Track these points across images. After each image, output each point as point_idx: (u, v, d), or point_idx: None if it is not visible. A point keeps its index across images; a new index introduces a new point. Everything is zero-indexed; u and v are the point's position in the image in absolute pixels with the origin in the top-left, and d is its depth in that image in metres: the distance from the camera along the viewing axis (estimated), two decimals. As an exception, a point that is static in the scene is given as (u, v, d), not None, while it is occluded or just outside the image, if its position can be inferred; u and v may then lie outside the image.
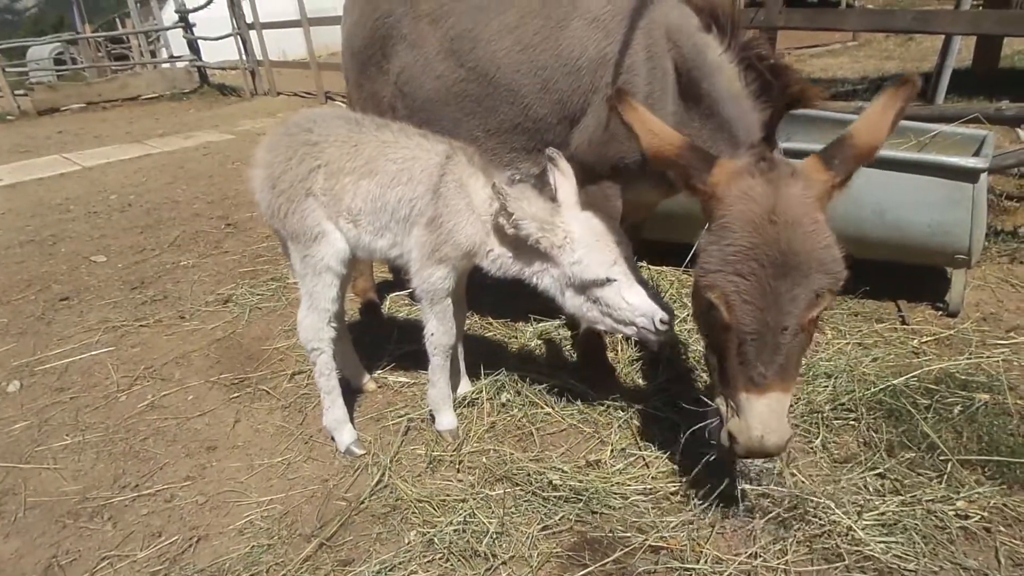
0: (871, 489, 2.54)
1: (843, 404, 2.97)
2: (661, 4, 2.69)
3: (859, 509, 2.42)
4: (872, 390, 3.00)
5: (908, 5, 16.78)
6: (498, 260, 2.75)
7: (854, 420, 2.90)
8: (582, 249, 2.56)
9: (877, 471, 2.60)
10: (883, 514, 2.38)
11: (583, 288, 2.61)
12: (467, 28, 3.06)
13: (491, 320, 3.97)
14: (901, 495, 2.47)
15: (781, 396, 2.05)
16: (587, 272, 2.55)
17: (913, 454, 2.67)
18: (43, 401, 3.57)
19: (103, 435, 3.25)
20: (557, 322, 3.81)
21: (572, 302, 2.68)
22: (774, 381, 2.03)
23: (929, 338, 3.48)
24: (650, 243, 3.91)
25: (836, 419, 2.91)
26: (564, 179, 2.70)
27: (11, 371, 3.88)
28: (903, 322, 3.66)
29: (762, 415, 2.03)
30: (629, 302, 2.54)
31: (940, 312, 3.73)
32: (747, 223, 1.99)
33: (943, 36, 6.75)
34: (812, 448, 2.77)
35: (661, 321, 2.50)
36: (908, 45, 12.96)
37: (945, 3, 15.65)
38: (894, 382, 3.02)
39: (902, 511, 2.39)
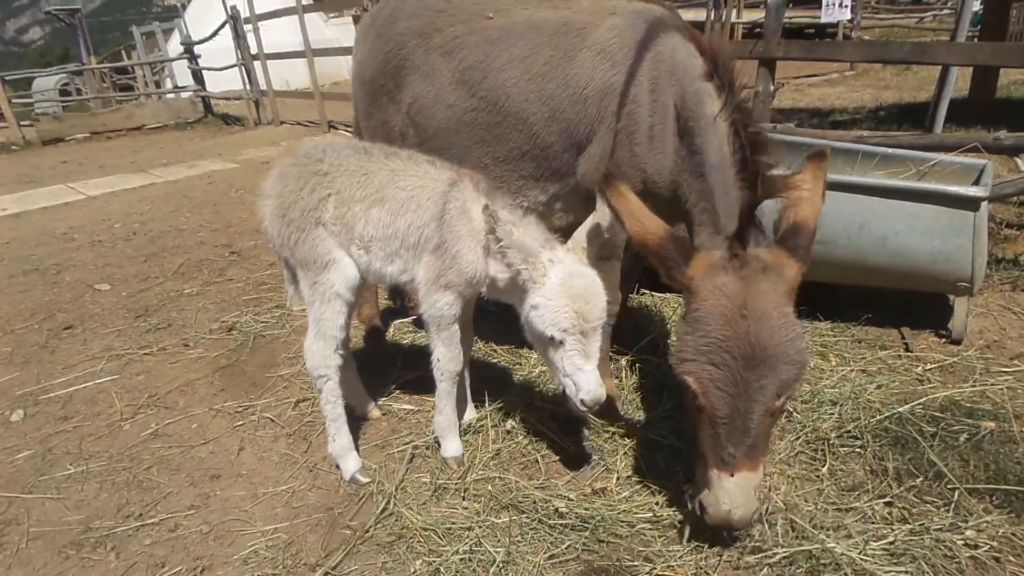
0: (878, 517, 2.53)
1: (849, 432, 2.97)
2: (668, 39, 2.76)
3: (866, 538, 2.40)
4: (878, 417, 3.01)
5: (904, 36, 17.04)
6: (495, 284, 2.73)
7: (860, 448, 2.89)
8: (544, 299, 2.44)
9: (885, 499, 2.59)
10: (892, 543, 2.38)
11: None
12: (479, 59, 3.14)
13: (495, 347, 3.97)
14: (909, 523, 2.46)
15: (749, 475, 2.21)
16: (537, 322, 2.47)
17: (920, 482, 2.67)
18: (47, 430, 3.56)
19: (107, 464, 3.24)
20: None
21: (530, 336, 2.65)
22: (743, 461, 2.20)
23: (933, 365, 3.49)
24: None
25: (842, 447, 2.91)
26: (596, 220, 2.63)
27: (15, 400, 3.87)
28: (907, 349, 3.66)
29: (730, 492, 2.21)
30: (565, 368, 2.47)
31: (943, 339, 3.74)
32: (720, 317, 2.17)
33: (940, 66, 6.85)
34: (819, 476, 2.76)
35: (582, 402, 2.44)
36: (905, 75, 13.15)
37: (940, 33, 15.91)
38: (900, 409, 3.02)
39: (910, 540, 2.39)
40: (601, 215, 2.59)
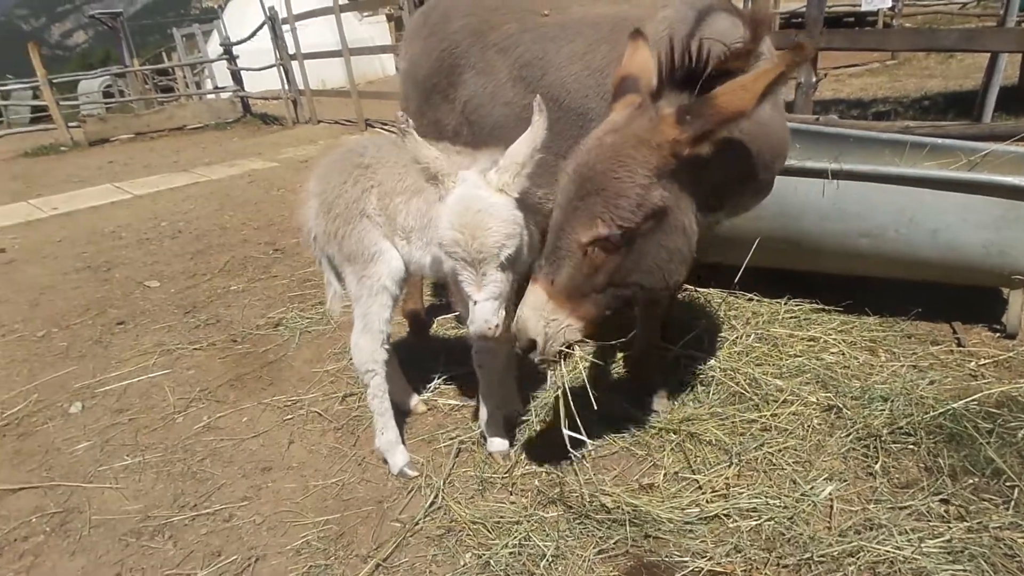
0: (934, 515, 2.48)
1: (901, 428, 2.92)
2: (714, 20, 2.75)
3: (922, 535, 2.37)
4: (931, 414, 2.95)
5: (948, 22, 16.58)
6: None
7: (913, 444, 2.84)
8: (437, 214, 2.33)
9: (940, 496, 2.55)
10: (949, 541, 2.33)
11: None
12: (537, 56, 3.15)
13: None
14: (967, 521, 2.42)
15: (547, 302, 2.24)
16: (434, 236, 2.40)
17: (977, 479, 2.62)
18: (104, 422, 3.67)
19: (162, 455, 3.33)
20: (608, 344, 3.81)
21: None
22: (545, 281, 2.24)
23: (987, 360, 3.41)
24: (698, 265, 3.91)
25: (895, 443, 2.86)
26: (523, 141, 2.33)
27: (73, 393, 4.00)
28: (959, 344, 3.58)
29: (529, 303, 2.25)
30: (462, 295, 2.38)
31: (997, 334, 3.65)
32: (589, 137, 2.28)
33: (988, 54, 6.68)
34: (871, 473, 2.72)
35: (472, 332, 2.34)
36: (949, 63, 12.80)
37: (986, 19, 15.47)
38: (954, 405, 2.96)
39: (968, 538, 2.34)
40: (537, 133, 2.36)
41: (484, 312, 2.27)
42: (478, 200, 2.25)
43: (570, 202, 2.19)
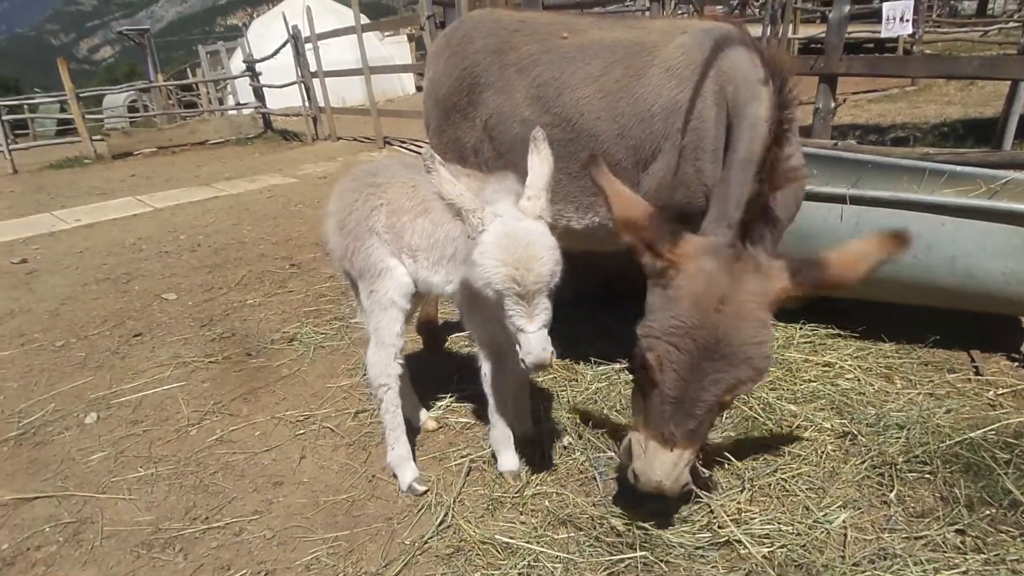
0: (950, 546, 2.44)
1: (917, 457, 2.88)
2: (732, 53, 2.75)
3: (938, 566, 2.33)
4: (947, 443, 2.91)
5: (968, 50, 16.55)
6: None
7: (929, 473, 2.81)
8: (479, 256, 2.22)
9: (956, 527, 2.51)
10: (965, 572, 2.30)
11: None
12: (554, 76, 3.20)
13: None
14: (983, 553, 2.38)
15: (685, 453, 2.27)
16: (474, 279, 2.28)
17: (994, 511, 2.57)
18: (119, 433, 3.70)
19: (175, 467, 3.35)
20: (618, 365, 3.80)
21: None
22: (682, 441, 2.24)
23: (1005, 390, 3.37)
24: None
25: (910, 472, 2.82)
26: (540, 166, 2.34)
27: (89, 403, 4.04)
28: (977, 373, 3.54)
29: (665, 465, 2.26)
30: (510, 327, 2.26)
31: (1016, 363, 3.61)
32: (694, 302, 2.16)
33: (1009, 82, 6.65)
34: (886, 502, 2.69)
35: (523, 363, 2.24)
36: (969, 90, 12.75)
37: (1006, 47, 15.41)
38: (971, 435, 2.92)
39: (985, 571, 2.30)
40: (546, 160, 2.35)
41: (540, 342, 2.22)
42: (524, 232, 2.20)
43: (705, 375, 2.15)
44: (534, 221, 2.26)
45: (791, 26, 16.41)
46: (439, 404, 3.67)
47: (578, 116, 3.13)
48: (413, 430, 3.38)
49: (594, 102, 3.09)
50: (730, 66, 2.74)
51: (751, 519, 2.63)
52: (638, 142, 2.99)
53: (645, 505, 2.72)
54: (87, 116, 15.95)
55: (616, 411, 3.43)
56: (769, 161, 2.37)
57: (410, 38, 28.00)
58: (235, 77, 19.67)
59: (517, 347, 2.27)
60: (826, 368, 3.64)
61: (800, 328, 4.01)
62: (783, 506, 2.71)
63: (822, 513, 2.63)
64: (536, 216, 2.27)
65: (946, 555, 2.40)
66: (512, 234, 2.19)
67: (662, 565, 2.47)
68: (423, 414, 3.51)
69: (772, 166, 2.37)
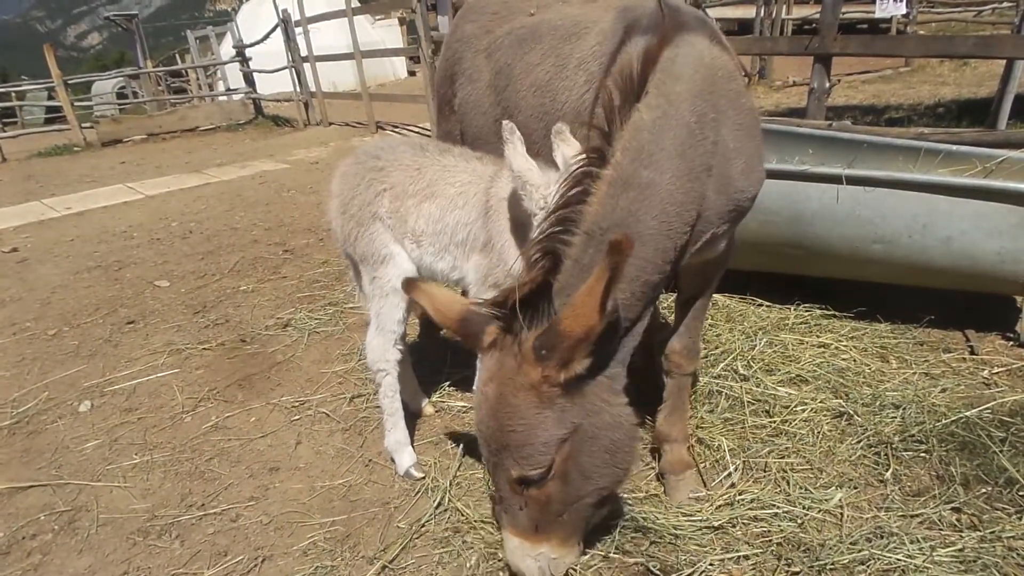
0: (946, 524, 2.46)
1: (913, 436, 2.89)
2: (632, 47, 2.23)
3: (934, 544, 2.34)
4: (943, 421, 2.93)
5: (961, 30, 16.49)
6: None
7: (925, 452, 2.82)
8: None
9: (952, 505, 2.52)
10: (961, 550, 2.30)
11: None
12: (507, 63, 2.92)
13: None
14: (979, 530, 2.39)
15: (523, 543, 2.17)
16: None
17: (990, 488, 2.59)
18: (113, 421, 3.68)
19: (170, 455, 3.34)
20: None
21: None
22: (511, 528, 2.19)
23: (1000, 369, 3.37)
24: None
25: (906, 451, 2.83)
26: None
27: (82, 391, 4.02)
28: (972, 352, 3.55)
29: (507, 547, 2.23)
30: None
31: (1011, 343, 3.62)
32: (476, 393, 2.16)
33: (1003, 61, 6.63)
34: (882, 480, 2.70)
35: None
36: (963, 70, 12.74)
37: (1000, 27, 15.37)
38: (966, 414, 2.94)
39: (981, 547, 2.31)
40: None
41: None
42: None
43: (488, 460, 2.11)
44: None
45: (785, 6, 16.32)
46: (435, 388, 3.66)
47: (517, 113, 2.82)
48: (412, 415, 3.37)
49: (528, 98, 2.76)
50: (626, 67, 2.12)
51: (748, 500, 2.63)
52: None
53: (640, 487, 2.72)
54: (76, 103, 15.79)
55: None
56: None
57: (401, 21, 27.75)
58: (225, 63, 19.45)
59: None
60: (821, 349, 3.64)
61: (795, 309, 4.01)
62: (779, 486, 2.71)
63: (819, 493, 2.64)
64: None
65: (942, 533, 2.41)
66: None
67: (659, 547, 2.48)
68: (423, 400, 3.50)
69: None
